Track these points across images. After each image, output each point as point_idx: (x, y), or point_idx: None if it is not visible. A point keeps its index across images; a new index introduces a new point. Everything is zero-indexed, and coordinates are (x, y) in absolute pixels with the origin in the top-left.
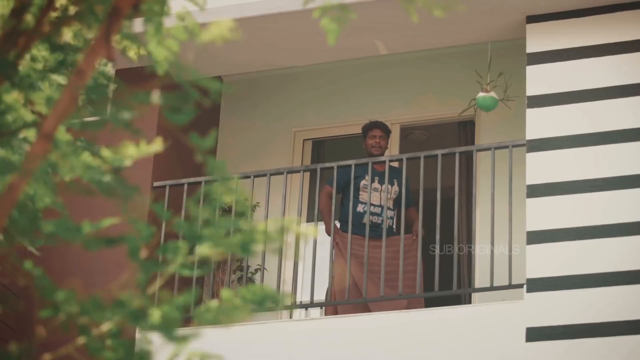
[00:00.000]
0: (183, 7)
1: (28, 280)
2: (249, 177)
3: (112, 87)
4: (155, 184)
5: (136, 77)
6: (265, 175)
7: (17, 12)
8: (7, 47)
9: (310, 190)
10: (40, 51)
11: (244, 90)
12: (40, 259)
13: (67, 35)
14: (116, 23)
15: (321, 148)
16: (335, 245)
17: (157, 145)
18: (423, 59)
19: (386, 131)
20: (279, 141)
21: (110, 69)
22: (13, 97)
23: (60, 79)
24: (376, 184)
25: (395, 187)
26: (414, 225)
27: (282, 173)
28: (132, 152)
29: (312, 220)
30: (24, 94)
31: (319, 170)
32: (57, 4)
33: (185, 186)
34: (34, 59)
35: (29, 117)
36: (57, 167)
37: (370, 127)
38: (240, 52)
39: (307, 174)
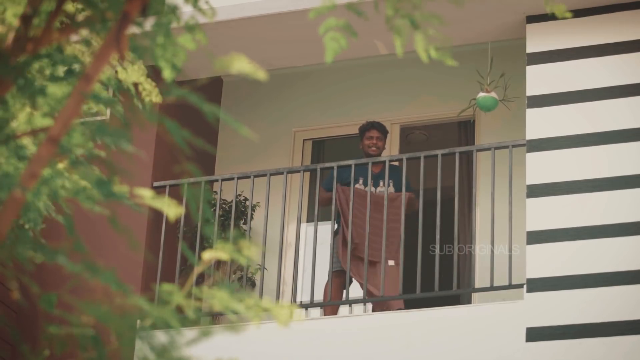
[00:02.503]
0: (191, 16)
1: (23, 294)
2: (249, 177)
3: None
4: (155, 184)
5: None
6: (265, 175)
7: (26, 18)
8: (16, 52)
9: (310, 190)
10: (48, 59)
11: (244, 90)
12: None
13: (74, 45)
14: (125, 28)
15: (321, 148)
16: (338, 202)
17: (173, 211)
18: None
19: (383, 132)
20: (279, 141)
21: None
22: (20, 102)
23: (67, 86)
24: (371, 188)
25: (391, 188)
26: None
27: (282, 173)
28: (146, 195)
29: (312, 221)
30: (30, 99)
31: (319, 170)
32: (65, 11)
33: (185, 186)
34: (41, 67)
35: (37, 122)
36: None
37: (367, 127)
38: (240, 52)
39: (307, 174)
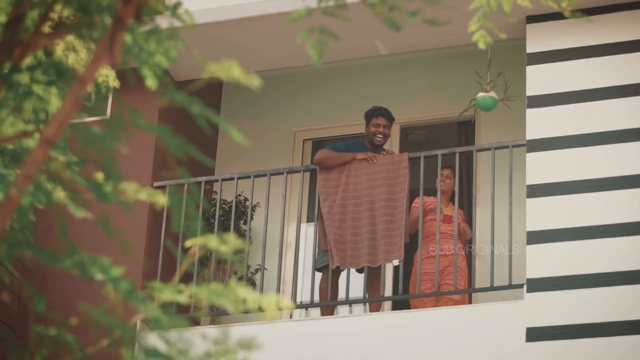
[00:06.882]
0: (170, 22)
1: (13, 296)
2: (249, 177)
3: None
4: (155, 184)
5: (134, 79)
6: (265, 175)
7: (13, 24)
8: (3, 57)
9: (310, 191)
10: (36, 63)
11: (244, 90)
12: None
13: (60, 49)
14: (120, 32)
15: (321, 148)
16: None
17: (158, 200)
18: (423, 59)
19: (390, 119)
20: (279, 141)
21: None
22: (8, 107)
23: (57, 90)
24: None
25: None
26: None
27: (282, 173)
28: (130, 188)
29: (312, 221)
30: (17, 103)
31: (319, 170)
32: (53, 16)
33: (185, 186)
34: (30, 72)
35: (19, 127)
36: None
37: (375, 114)
38: (240, 52)
39: (307, 174)
